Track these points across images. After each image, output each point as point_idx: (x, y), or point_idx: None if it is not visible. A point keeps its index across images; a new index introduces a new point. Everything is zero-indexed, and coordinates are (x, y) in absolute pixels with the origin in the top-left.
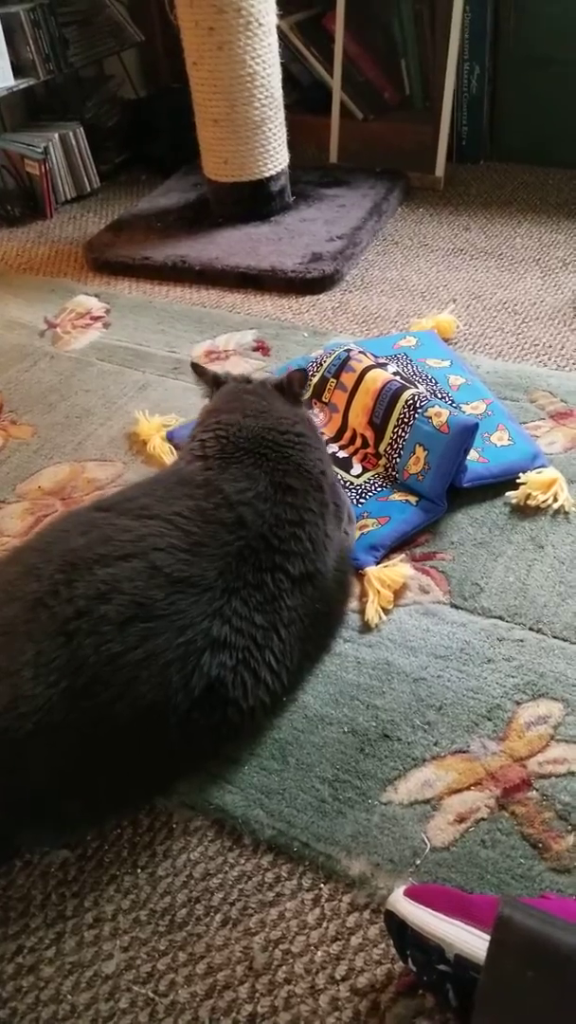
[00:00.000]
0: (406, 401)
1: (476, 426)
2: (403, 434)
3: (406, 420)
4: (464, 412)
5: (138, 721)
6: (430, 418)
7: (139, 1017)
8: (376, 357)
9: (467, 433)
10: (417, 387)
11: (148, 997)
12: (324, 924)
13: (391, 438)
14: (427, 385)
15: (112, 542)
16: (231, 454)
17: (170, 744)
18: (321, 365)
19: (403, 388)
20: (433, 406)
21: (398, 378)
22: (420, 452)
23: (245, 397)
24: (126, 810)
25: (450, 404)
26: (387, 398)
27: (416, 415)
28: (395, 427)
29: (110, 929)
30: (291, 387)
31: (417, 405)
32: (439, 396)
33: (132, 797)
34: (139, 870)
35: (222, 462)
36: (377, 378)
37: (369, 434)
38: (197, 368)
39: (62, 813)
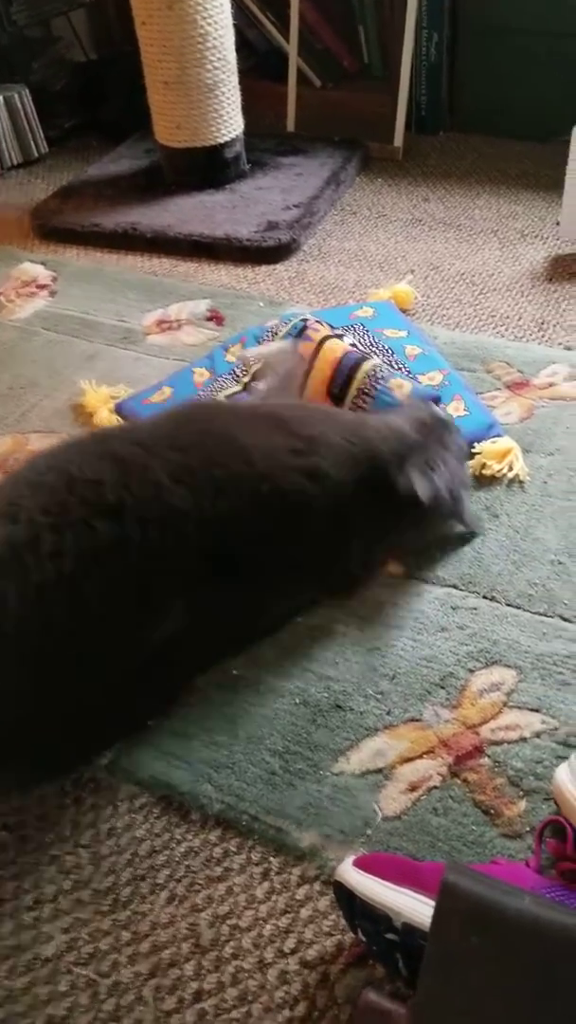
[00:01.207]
0: (367, 372)
1: (438, 399)
2: (363, 404)
3: (367, 391)
4: (421, 383)
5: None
6: (392, 389)
7: (79, 999)
8: (333, 328)
9: None
10: (376, 358)
11: (89, 978)
12: (273, 897)
13: (350, 408)
14: (384, 356)
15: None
16: None
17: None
18: (276, 335)
19: (364, 358)
20: (395, 377)
21: (356, 349)
22: None
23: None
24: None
25: (407, 375)
26: (347, 368)
27: (378, 386)
28: (355, 397)
29: (50, 911)
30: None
31: (379, 376)
32: (396, 367)
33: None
34: (81, 849)
35: None
36: (336, 348)
37: (328, 405)
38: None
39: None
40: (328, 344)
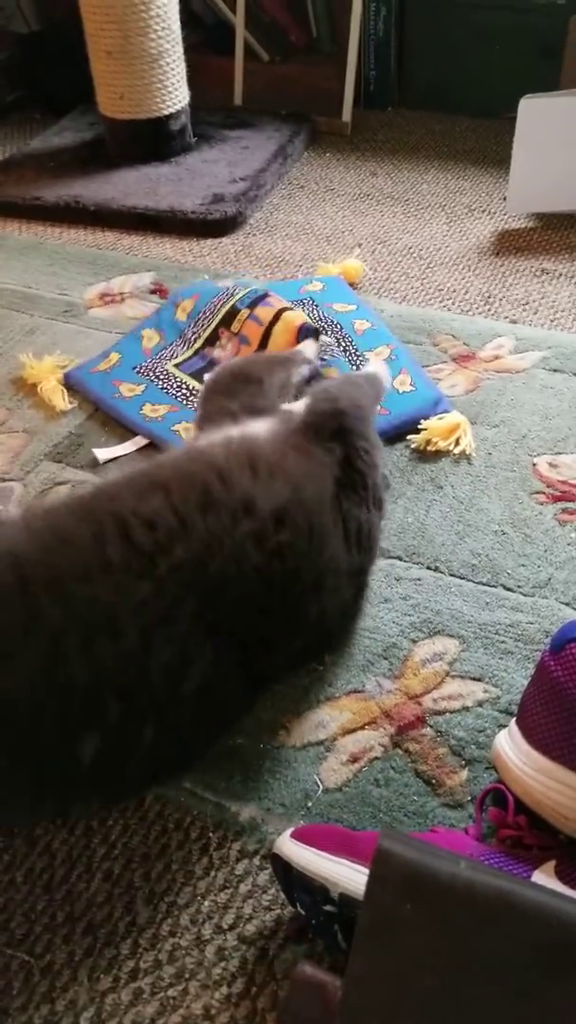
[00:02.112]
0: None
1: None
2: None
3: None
4: (367, 358)
5: None
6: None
7: (13, 981)
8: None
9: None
10: (326, 336)
11: (23, 960)
12: (212, 873)
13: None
14: (333, 331)
15: None
16: None
17: None
18: (232, 295)
19: (318, 331)
20: (330, 366)
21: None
22: None
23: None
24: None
25: (355, 352)
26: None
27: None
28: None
29: None
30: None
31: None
32: (344, 342)
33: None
34: (15, 831)
35: None
36: (295, 318)
37: None
38: None
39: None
40: (287, 314)
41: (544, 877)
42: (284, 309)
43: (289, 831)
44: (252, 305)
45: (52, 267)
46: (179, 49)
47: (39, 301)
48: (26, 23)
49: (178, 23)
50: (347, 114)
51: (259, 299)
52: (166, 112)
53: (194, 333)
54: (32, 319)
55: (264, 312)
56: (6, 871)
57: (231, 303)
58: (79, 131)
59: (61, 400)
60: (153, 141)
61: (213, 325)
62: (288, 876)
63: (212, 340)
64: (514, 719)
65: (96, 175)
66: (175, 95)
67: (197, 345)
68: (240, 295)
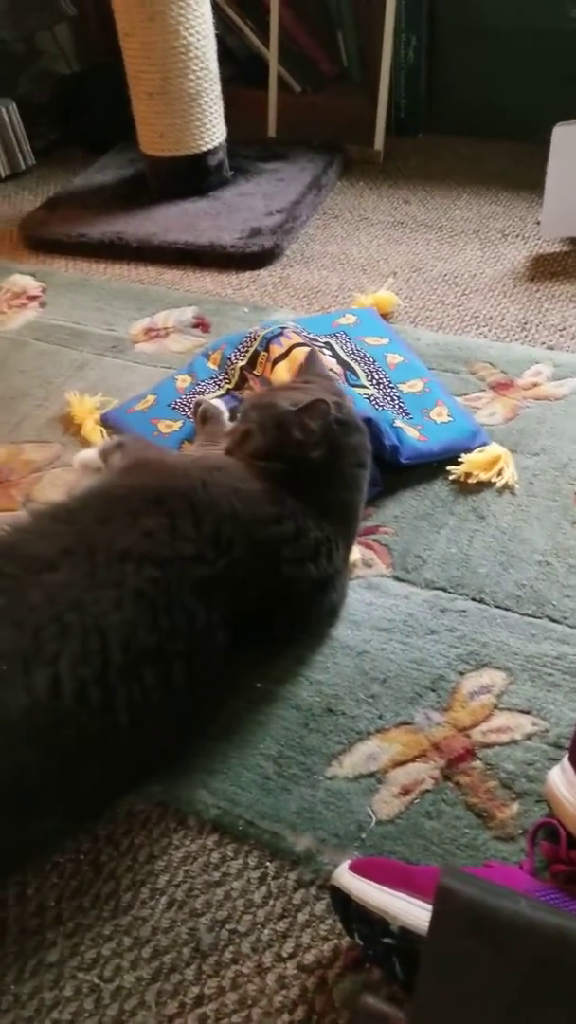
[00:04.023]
0: None
1: (368, 420)
2: None
3: None
4: (400, 391)
5: None
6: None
7: (84, 1004)
8: (312, 337)
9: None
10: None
11: (93, 983)
12: (270, 902)
13: None
14: (365, 364)
15: None
16: None
17: None
18: (255, 339)
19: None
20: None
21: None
22: None
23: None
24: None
25: (388, 384)
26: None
27: None
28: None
29: (53, 917)
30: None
31: None
32: (377, 375)
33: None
34: (81, 856)
35: None
36: (301, 354)
37: None
38: None
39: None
40: (296, 351)
41: None
42: (297, 345)
43: (347, 863)
44: (267, 346)
45: (98, 303)
46: (217, 88)
47: (87, 337)
48: (67, 64)
49: (216, 63)
50: (379, 142)
51: (275, 337)
52: (204, 148)
53: (224, 378)
54: (81, 355)
55: (275, 349)
56: (74, 896)
57: (254, 347)
58: (120, 168)
59: (100, 439)
60: (192, 177)
61: (240, 366)
62: (347, 908)
63: (241, 383)
64: (567, 755)
65: (137, 211)
66: (213, 132)
67: (228, 386)
68: (261, 336)
